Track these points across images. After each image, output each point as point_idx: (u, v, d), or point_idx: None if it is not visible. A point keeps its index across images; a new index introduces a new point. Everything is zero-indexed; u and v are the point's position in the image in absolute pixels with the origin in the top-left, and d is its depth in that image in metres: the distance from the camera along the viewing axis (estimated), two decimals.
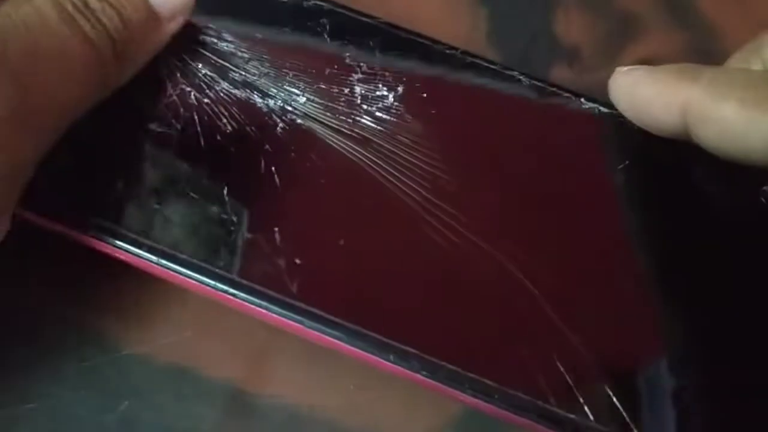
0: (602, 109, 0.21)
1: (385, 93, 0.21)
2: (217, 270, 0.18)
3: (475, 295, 0.19)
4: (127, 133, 0.20)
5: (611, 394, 0.18)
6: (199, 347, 0.20)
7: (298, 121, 0.20)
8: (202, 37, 0.21)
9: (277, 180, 0.19)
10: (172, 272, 0.18)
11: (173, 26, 0.20)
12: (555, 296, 0.19)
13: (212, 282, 0.18)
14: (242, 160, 0.20)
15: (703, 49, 0.26)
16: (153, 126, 0.20)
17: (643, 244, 0.20)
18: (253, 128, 0.20)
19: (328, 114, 0.21)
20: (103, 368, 0.20)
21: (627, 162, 0.21)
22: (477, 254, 0.19)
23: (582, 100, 0.21)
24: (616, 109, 0.21)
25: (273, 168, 0.20)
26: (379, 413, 0.19)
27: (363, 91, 0.21)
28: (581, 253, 0.20)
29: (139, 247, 0.18)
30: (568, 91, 0.22)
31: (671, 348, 0.19)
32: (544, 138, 0.21)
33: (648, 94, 0.20)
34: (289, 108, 0.20)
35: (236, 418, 0.19)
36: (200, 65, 0.21)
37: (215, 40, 0.21)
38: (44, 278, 0.19)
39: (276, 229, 0.19)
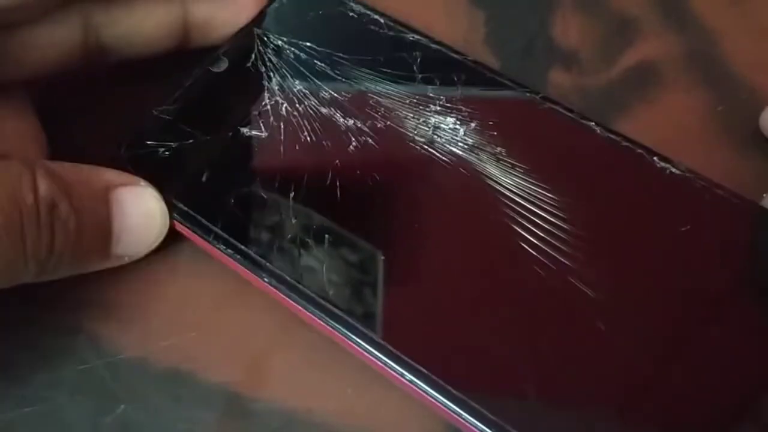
0: (674, 170, 0.21)
1: (457, 127, 0.22)
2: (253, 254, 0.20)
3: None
4: (220, 130, 0.22)
5: None
6: (196, 351, 0.20)
7: (370, 141, 0.22)
8: (303, 55, 0.23)
9: (338, 194, 0.21)
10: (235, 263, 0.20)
11: (116, 263, 0.20)
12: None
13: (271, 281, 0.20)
14: (313, 169, 0.21)
15: (700, 52, 0.26)
16: (244, 129, 0.22)
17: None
18: (328, 143, 0.22)
19: (400, 139, 0.22)
20: (100, 372, 0.20)
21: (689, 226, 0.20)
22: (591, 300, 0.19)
23: (655, 158, 0.21)
24: (683, 170, 0.21)
25: (337, 181, 0.21)
26: (376, 417, 0.19)
27: (437, 122, 0.22)
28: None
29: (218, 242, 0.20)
30: (641, 146, 0.21)
31: None
32: (619, 190, 0.21)
33: None
34: (366, 129, 0.22)
35: (233, 421, 0.19)
36: (297, 81, 0.23)
37: (315, 60, 0.23)
38: (42, 282, 0.19)
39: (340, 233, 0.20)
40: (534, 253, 0.20)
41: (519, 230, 0.20)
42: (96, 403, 0.20)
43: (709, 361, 0.18)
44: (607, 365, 0.18)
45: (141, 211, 0.20)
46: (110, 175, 0.20)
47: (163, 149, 0.22)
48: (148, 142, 0.22)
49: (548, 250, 0.20)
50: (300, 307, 0.19)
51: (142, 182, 0.20)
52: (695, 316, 0.19)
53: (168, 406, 0.20)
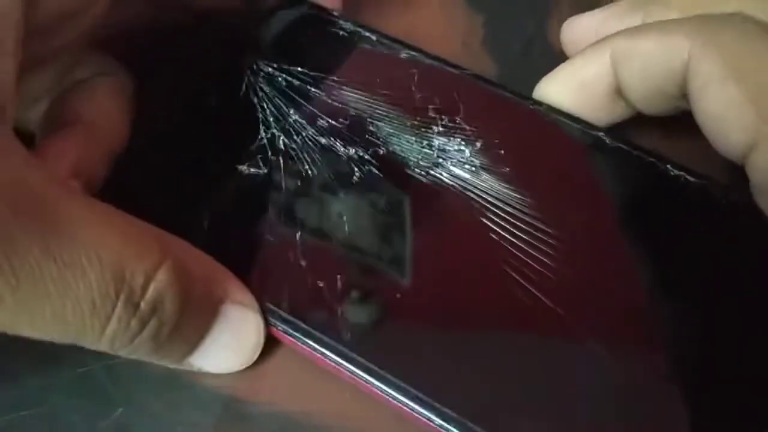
0: (689, 177, 0.20)
1: (463, 147, 0.21)
2: (273, 307, 0.19)
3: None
4: (217, 171, 0.21)
5: None
6: None
7: (374, 171, 0.21)
8: (295, 81, 0.22)
9: (346, 228, 0.20)
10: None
11: (182, 368, 0.19)
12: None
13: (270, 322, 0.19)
14: (316, 204, 0.21)
15: None
16: (242, 167, 0.21)
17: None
18: (330, 175, 0.21)
19: (404, 166, 0.21)
20: (97, 375, 0.20)
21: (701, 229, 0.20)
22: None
23: (668, 166, 0.21)
24: (703, 178, 0.20)
25: (344, 217, 0.20)
26: (374, 419, 0.19)
27: (441, 144, 0.21)
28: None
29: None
30: (650, 153, 0.21)
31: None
32: (626, 200, 0.21)
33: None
34: (368, 158, 0.21)
35: (231, 425, 0.19)
36: (292, 111, 0.22)
37: (308, 87, 0.22)
38: None
39: (338, 276, 0.20)
40: (545, 272, 0.19)
41: (528, 249, 0.20)
42: (94, 406, 0.20)
43: (698, 363, 0.18)
44: (598, 379, 0.18)
45: (240, 335, 0.19)
46: (230, 285, 0.18)
47: (157, 192, 0.21)
48: (143, 187, 0.21)
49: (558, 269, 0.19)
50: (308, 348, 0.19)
51: (256, 305, 0.19)
52: (693, 316, 0.19)
53: (166, 409, 0.20)
